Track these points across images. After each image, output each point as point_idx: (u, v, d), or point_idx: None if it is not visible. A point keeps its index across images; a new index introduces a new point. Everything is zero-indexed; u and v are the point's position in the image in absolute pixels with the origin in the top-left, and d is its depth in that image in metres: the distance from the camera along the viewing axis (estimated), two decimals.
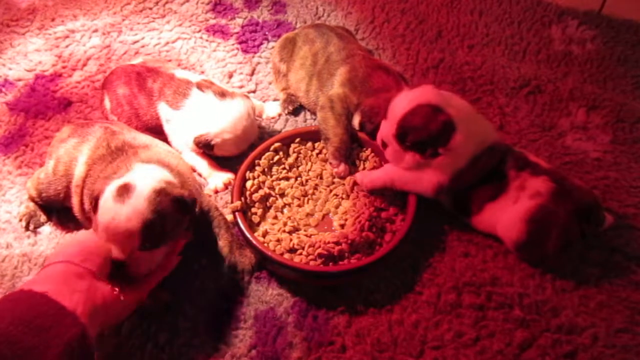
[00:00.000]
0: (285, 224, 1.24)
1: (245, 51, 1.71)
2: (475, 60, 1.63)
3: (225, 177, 1.36)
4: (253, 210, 1.27)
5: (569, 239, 1.12)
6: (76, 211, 1.21)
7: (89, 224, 1.18)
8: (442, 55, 1.65)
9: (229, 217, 1.22)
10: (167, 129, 1.38)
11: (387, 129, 1.20)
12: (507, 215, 1.14)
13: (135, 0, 1.87)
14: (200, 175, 1.39)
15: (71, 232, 1.28)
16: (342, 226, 1.24)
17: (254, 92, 1.60)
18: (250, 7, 1.85)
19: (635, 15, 1.72)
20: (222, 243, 1.15)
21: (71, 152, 1.21)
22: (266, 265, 1.18)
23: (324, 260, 1.14)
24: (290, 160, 1.35)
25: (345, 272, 1.12)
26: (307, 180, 1.33)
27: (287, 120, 1.51)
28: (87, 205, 1.14)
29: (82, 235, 1.08)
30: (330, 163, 1.33)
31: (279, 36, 1.67)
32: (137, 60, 1.52)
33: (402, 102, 1.17)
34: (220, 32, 1.77)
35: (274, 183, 1.31)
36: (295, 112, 1.52)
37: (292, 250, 1.17)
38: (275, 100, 1.57)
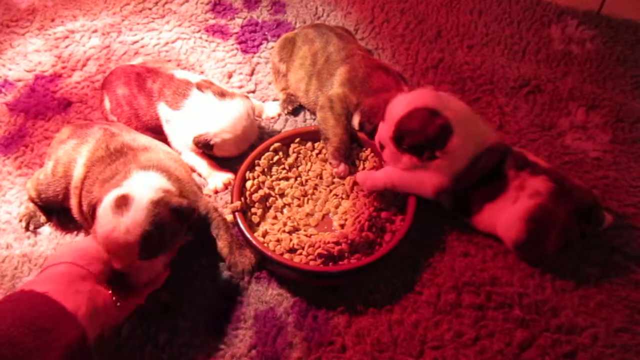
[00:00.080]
0: (285, 224, 1.24)
1: (244, 51, 1.71)
2: (475, 60, 1.63)
3: (225, 177, 1.36)
4: (253, 210, 1.27)
5: (568, 238, 1.12)
6: (75, 212, 1.21)
7: (87, 225, 1.18)
8: (442, 55, 1.65)
9: (229, 217, 1.22)
10: (167, 129, 1.38)
11: (384, 131, 1.20)
12: (506, 214, 1.14)
13: (134, 0, 1.87)
14: (200, 175, 1.39)
15: (71, 232, 1.29)
16: (342, 226, 1.24)
17: (253, 92, 1.60)
18: (249, 7, 1.85)
19: (634, 15, 1.72)
20: (222, 244, 1.15)
21: (70, 154, 1.21)
22: (266, 265, 1.18)
23: (323, 260, 1.14)
24: (290, 160, 1.35)
25: (345, 272, 1.12)
26: (306, 180, 1.33)
27: (286, 120, 1.51)
28: (85, 207, 1.14)
29: (83, 241, 1.09)
30: (330, 163, 1.33)
31: (278, 36, 1.67)
32: (136, 61, 1.52)
33: (400, 105, 1.16)
34: (219, 32, 1.77)
35: (274, 183, 1.31)
36: (295, 112, 1.52)
37: (292, 250, 1.18)
38: (274, 100, 1.57)
